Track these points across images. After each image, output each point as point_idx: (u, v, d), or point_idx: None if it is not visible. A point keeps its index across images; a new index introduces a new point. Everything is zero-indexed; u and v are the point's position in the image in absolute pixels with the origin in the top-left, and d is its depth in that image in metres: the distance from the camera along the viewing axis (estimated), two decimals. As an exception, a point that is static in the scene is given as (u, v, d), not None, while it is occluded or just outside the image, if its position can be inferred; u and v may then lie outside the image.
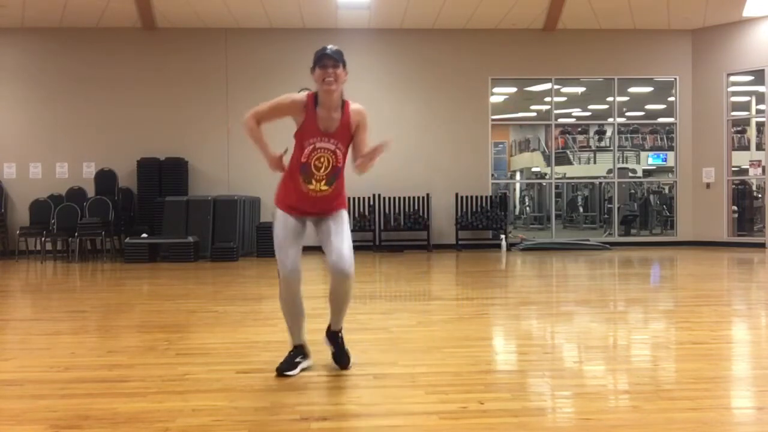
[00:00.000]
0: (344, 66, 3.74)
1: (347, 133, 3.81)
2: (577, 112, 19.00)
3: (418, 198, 13.68)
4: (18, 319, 6.47)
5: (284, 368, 3.82)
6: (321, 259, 11.62)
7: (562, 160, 19.52)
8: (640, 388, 3.61)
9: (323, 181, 3.78)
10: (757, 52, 13.68)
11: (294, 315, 3.90)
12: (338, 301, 3.91)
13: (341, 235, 3.80)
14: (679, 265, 10.92)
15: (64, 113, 13.59)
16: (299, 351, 3.94)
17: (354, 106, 3.85)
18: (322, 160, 3.77)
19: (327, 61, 3.70)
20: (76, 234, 12.06)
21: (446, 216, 13.88)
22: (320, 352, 4.49)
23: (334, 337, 4.03)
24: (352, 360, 4.01)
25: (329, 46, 3.76)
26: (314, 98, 3.84)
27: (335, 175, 3.80)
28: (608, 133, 19.10)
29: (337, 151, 3.78)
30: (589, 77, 14.87)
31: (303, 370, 3.90)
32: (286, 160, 3.89)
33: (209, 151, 13.69)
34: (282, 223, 3.81)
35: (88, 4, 12.55)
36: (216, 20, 13.36)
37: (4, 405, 3.42)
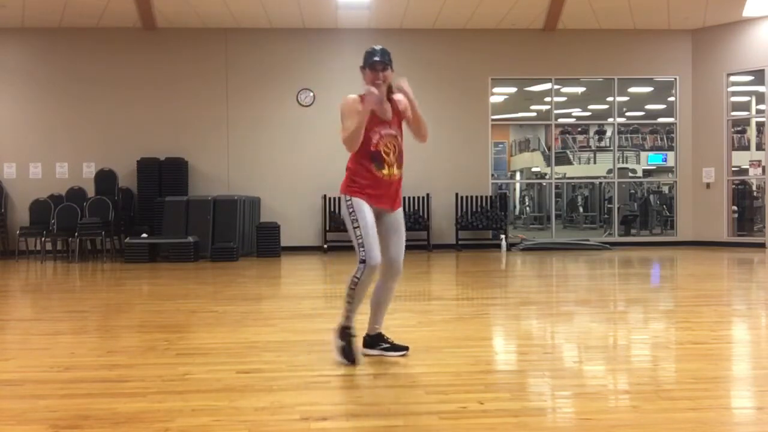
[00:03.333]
0: (392, 67, 4.09)
1: (399, 118, 4.17)
2: (577, 112, 18.99)
3: (418, 198, 13.68)
4: (18, 319, 6.47)
5: (353, 359, 4.02)
6: (320, 258, 11.45)
7: (562, 160, 19.52)
8: (640, 388, 3.61)
9: (394, 165, 4.10)
10: (757, 52, 13.68)
11: (361, 299, 4.08)
12: (386, 300, 4.23)
13: (401, 235, 4.19)
14: (679, 265, 10.92)
15: (64, 113, 13.59)
16: (353, 334, 4.11)
17: (397, 95, 4.16)
18: (389, 145, 4.08)
19: (377, 65, 4.04)
20: (76, 234, 12.06)
21: (446, 216, 13.88)
22: (320, 351, 4.49)
23: (382, 338, 4.25)
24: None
25: (378, 48, 4.07)
26: (363, 96, 4.05)
27: (400, 158, 4.13)
28: (608, 133, 19.09)
29: (398, 135, 4.13)
30: (589, 77, 14.87)
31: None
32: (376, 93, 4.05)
33: (209, 151, 13.69)
34: (365, 210, 4.03)
35: (88, 4, 12.56)
36: (216, 20, 13.36)
37: (4, 405, 3.42)
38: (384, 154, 4.06)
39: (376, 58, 4.02)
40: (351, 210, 4.06)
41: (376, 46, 4.10)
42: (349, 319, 4.11)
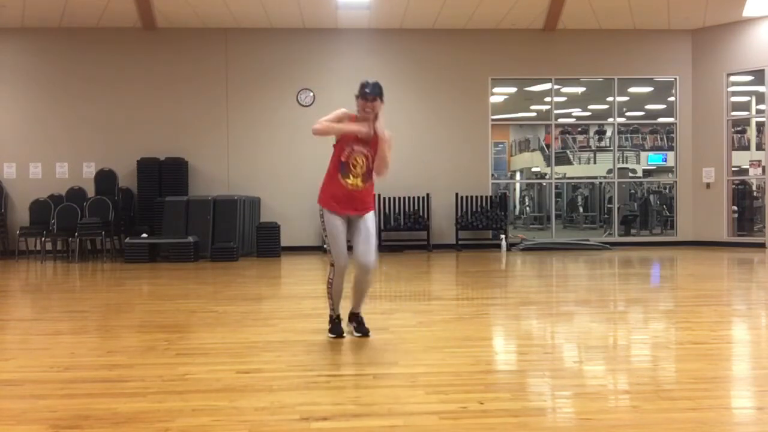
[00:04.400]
0: (381, 99, 4.70)
1: (376, 143, 4.71)
2: (577, 112, 18.99)
3: (418, 198, 13.68)
4: (18, 319, 6.47)
5: (340, 332, 4.85)
6: (319, 258, 11.51)
7: (562, 160, 19.52)
8: (640, 388, 3.61)
9: (359, 178, 4.71)
10: (757, 52, 13.68)
11: (340, 294, 4.91)
12: (360, 289, 4.88)
13: (369, 234, 4.74)
14: (679, 265, 10.92)
15: (64, 113, 13.59)
16: (339, 318, 4.95)
17: (386, 132, 4.75)
18: (358, 159, 4.69)
19: (368, 96, 4.66)
20: (76, 234, 12.06)
21: (446, 216, 13.88)
22: (320, 351, 4.50)
23: (356, 317, 4.99)
24: (371, 334, 4.90)
25: (370, 82, 4.69)
26: (355, 117, 4.75)
27: (368, 175, 4.74)
28: (608, 133, 19.09)
29: (369, 155, 4.71)
30: (589, 77, 14.87)
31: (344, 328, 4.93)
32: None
33: (209, 151, 13.69)
34: (331, 220, 4.73)
35: (88, 4, 12.56)
36: (216, 20, 13.36)
37: (4, 405, 3.42)
38: (351, 166, 4.69)
39: (367, 90, 4.64)
40: (322, 219, 4.79)
41: (370, 80, 4.72)
42: (334, 310, 4.93)
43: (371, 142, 4.70)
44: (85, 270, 10.63)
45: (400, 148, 13.65)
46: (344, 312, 5.04)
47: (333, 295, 4.87)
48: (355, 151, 4.68)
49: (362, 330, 4.91)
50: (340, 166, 4.70)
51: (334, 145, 4.78)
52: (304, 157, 13.62)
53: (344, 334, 4.86)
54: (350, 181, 4.69)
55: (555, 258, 11.91)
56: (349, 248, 4.78)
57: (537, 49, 14.12)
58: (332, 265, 4.76)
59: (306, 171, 13.62)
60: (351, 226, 4.78)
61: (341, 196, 4.70)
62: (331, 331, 4.89)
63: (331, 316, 4.94)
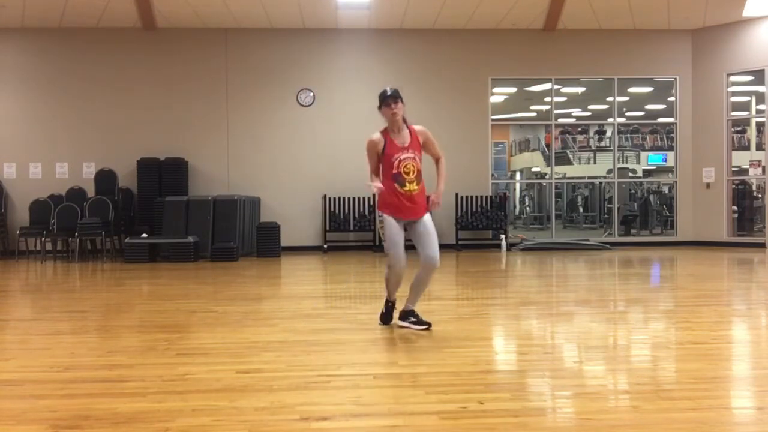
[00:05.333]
0: (402, 101, 5.09)
1: (418, 144, 5.12)
2: (577, 112, 18.99)
3: (418, 198, 13.64)
4: (18, 319, 6.47)
5: (388, 321, 5.30)
6: (320, 258, 11.54)
7: (562, 160, 19.52)
8: (640, 388, 3.61)
9: (414, 183, 5.04)
10: (757, 52, 13.68)
11: (394, 288, 5.23)
12: (422, 286, 5.18)
13: (432, 235, 5.10)
14: (679, 265, 10.92)
15: (64, 113, 13.59)
16: (393, 304, 5.30)
17: (417, 126, 5.19)
18: (408, 166, 5.03)
19: (390, 101, 5.04)
20: (76, 234, 12.06)
21: (446, 216, 13.87)
22: (320, 351, 4.50)
23: (412, 313, 5.23)
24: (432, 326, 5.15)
25: (389, 89, 5.10)
26: (385, 130, 5.11)
27: (419, 176, 5.07)
28: (608, 133, 19.09)
29: (416, 157, 5.08)
30: (589, 77, 14.87)
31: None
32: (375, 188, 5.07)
33: (209, 151, 13.69)
34: (391, 225, 5.03)
35: (88, 4, 12.56)
36: (216, 20, 13.36)
37: (4, 405, 3.42)
38: (404, 174, 5.02)
39: (388, 93, 5.04)
40: (381, 225, 5.10)
41: (387, 87, 5.11)
42: (390, 296, 5.29)
43: (411, 144, 5.05)
44: (85, 270, 10.63)
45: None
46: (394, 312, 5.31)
47: (389, 287, 5.22)
48: (403, 160, 5.00)
49: (423, 323, 5.15)
50: (393, 177, 5.01)
51: (383, 161, 5.05)
52: (304, 156, 13.63)
53: (388, 324, 5.25)
54: (407, 188, 5.01)
55: (555, 258, 11.91)
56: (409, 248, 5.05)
57: (537, 49, 14.12)
58: (389, 266, 5.09)
59: (306, 171, 13.63)
60: (411, 229, 5.12)
61: (401, 205, 5.02)
62: (381, 317, 5.32)
63: (386, 301, 5.31)
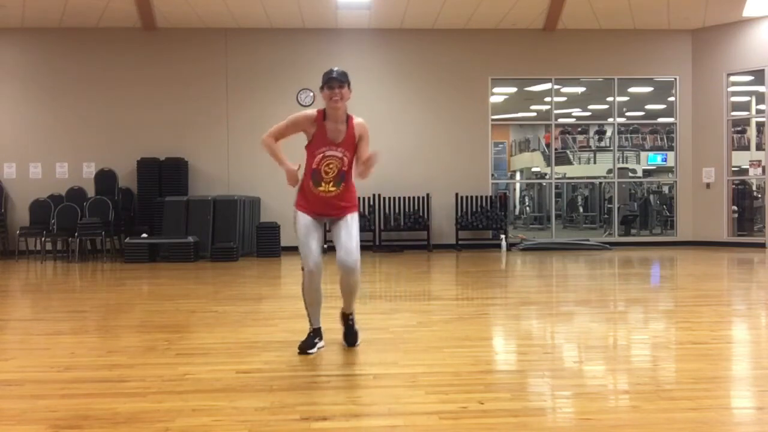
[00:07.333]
0: (349, 86, 4.36)
1: (352, 142, 4.41)
2: (577, 112, 18.99)
3: (418, 198, 13.68)
4: (18, 319, 6.47)
5: (305, 347, 4.41)
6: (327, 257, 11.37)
7: (562, 160, 19.51)
8: (640, 388, 3.61)
9: (331, 183, 4.39)
10: (757, 52, 13.68)
11: (314, 303, 4.50)
12: (347, 291, 4.52)
13: (350, 234, 4.41)
14: (679, 265, 10.92)
15: (64, 113, 13.59)
16: (317, 333, 4.54)
17: (357, 119, 4.44)
18: (330, 166, 4.38)
19: (333, 83, 4.29)
20: (76, 234, 12.06)
21: (446, 216, 13.88)
22: (320, 352, 4.49)
23: (345, 318, 4.67)
24: (359, 340, 4.65)
25: (335, 69, 4.35)
26: (323, 113, 4.39)
27: (341, 178, 4.40)
28: (608, 133, 19.09)
29: (344, 158, 4.38)
30: (589, 77, 14.87)
31: (319, 349, 4.49)
32: (301, 173, 4.48)
33: (209, 151, 13.69)
34: (301, 222, 4.45)
35: (88, 4, 12.55)
36: (216, 20, 13.36)
37: (4, 405, 3.42)
38: (323, 173, 4.38)
39: (333, 75, 4.29)
40: (294, 222, 4.52)
41: (334, 67, 4.38)
42: (313, 322, 4.54)
43: (345, 141, 4.36)
44: (85, 270, 10.63)
45: (401, 148, 13.74)
46: (337, 311, 4.75)
47: (305, 300, 4.48)
48: (326, 157, 4.35)
49: (348, 338, 4.61)
50: (312, 173, 4.40)
51: (306, 147, 4.45)
52: (304, 156, 13.61)
53: (311, 350, 4.40)
54: (322, 188, 4.39)
55: (555, 258, 11.90)
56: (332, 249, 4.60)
57: (537, 49, 14.12)
58: (302, 269, 4.39)
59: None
60: (331, 227, 4.54)
61: (315, 202, 4.43)
62: (300, 345, 4.43)
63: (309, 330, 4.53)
